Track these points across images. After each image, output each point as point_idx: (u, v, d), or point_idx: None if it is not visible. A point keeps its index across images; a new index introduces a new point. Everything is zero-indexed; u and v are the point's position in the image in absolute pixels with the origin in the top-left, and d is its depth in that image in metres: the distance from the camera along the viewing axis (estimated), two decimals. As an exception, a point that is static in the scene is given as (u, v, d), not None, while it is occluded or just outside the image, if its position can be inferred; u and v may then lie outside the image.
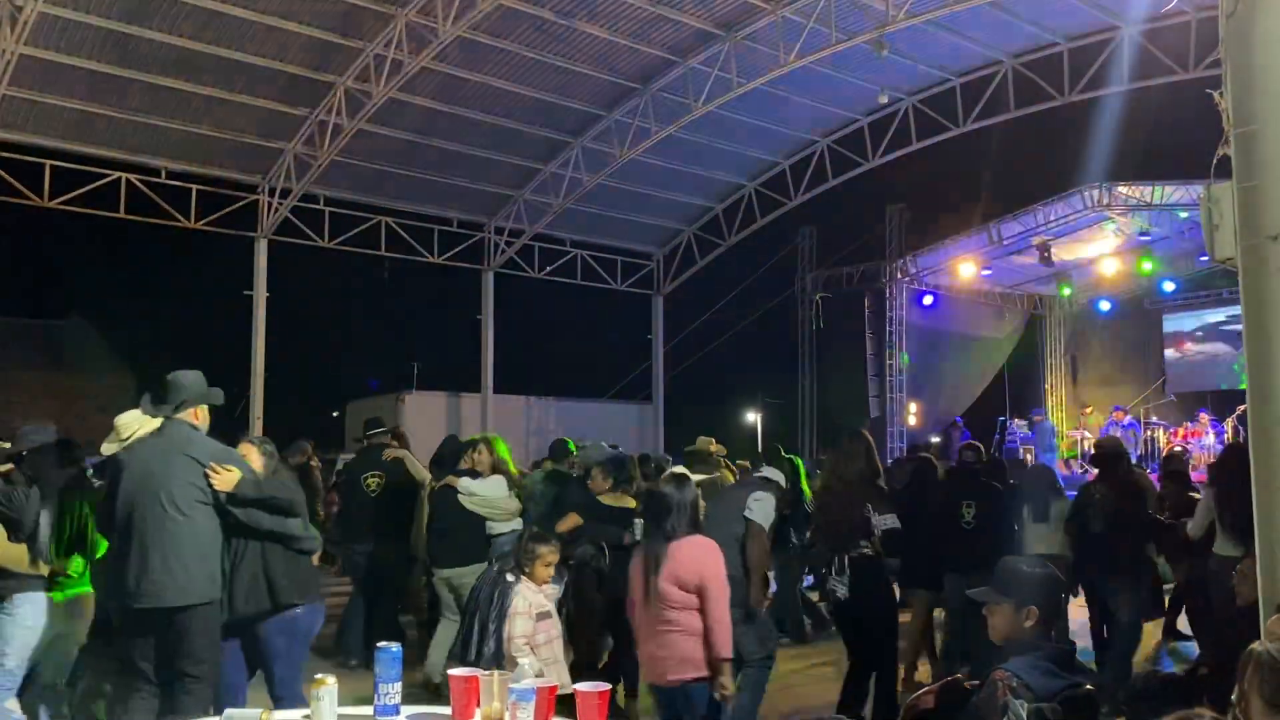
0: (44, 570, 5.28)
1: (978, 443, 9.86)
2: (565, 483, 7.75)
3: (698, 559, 4.62)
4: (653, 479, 7.41)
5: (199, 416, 5.15)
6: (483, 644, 5.02)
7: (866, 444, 6.40)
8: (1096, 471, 8.02)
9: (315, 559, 5.60)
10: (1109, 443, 8.83)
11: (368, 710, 3.01)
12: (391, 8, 13.11)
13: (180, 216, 15.72)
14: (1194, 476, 10.99)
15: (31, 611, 5.23)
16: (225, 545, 5.07)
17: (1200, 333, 22.16)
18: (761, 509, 6.06)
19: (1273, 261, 3.66)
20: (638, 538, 6.24)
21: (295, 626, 5.26)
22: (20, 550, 5.19)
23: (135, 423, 5.24)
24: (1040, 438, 21.08)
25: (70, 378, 30.61)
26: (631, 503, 7.04)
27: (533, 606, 5.09)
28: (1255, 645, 2.29)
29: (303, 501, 5.37)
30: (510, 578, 5.19)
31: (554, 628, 5.26)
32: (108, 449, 5.29)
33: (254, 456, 5.38)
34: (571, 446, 8.40)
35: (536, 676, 3.88)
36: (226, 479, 4.94)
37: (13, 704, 5.23)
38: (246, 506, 5.03)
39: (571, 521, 6.96)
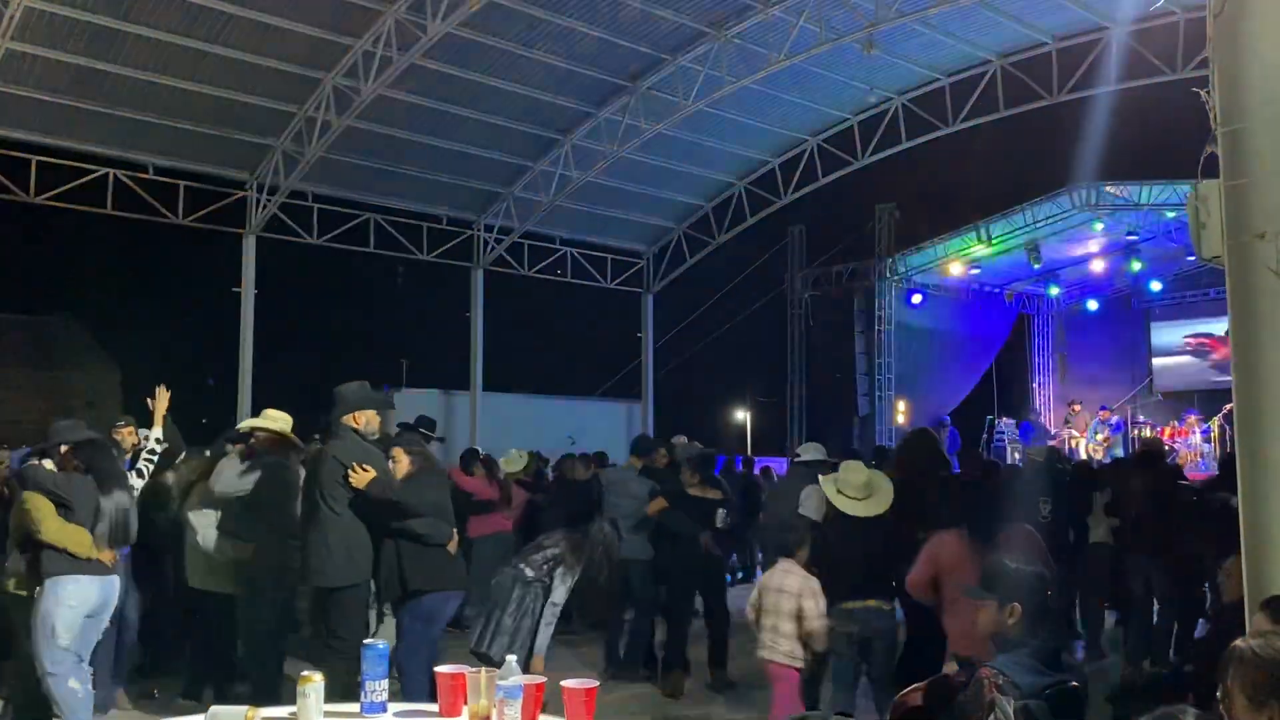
0: (104, 555, 5.53)
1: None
2: (658, 475, 8.13)
3: None
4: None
5: (360, 421, 5.90)
6: (495, 639, 5.68)
7: (933, 440, 7.07)
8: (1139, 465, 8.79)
9: (452, 546, 6.00)
10: (1154, 442, 10.01)
11: (354, 707, 3.01)
12: (381, 4, 13.06)
13: (168, 213, 15.65)
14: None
15: (75, 591, 5.44)
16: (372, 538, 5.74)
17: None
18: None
19: (1259, 259, 3.68)
20: (719, 525, 7.33)
21: (421, 611, 5.81)
22: (83, 534, 5.46)
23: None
24: (1037, 435, 21.18)
25: (58, 374, 30.47)
26: (716, 494, 7.76)
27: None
28: (1238, 642, 2.30)
29: (437, 501, 5.91)
30: (530, 573, 5.75)
31: None
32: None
33: (403, 460, 5.95)
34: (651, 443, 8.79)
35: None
36: (359, 478, 5.63)
37: (75, 683, 5.39)
38: (378, 505, 5.67)
39: (658, 505, 7.61)
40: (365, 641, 3.05)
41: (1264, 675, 2.19)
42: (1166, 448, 9.27)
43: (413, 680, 5.48)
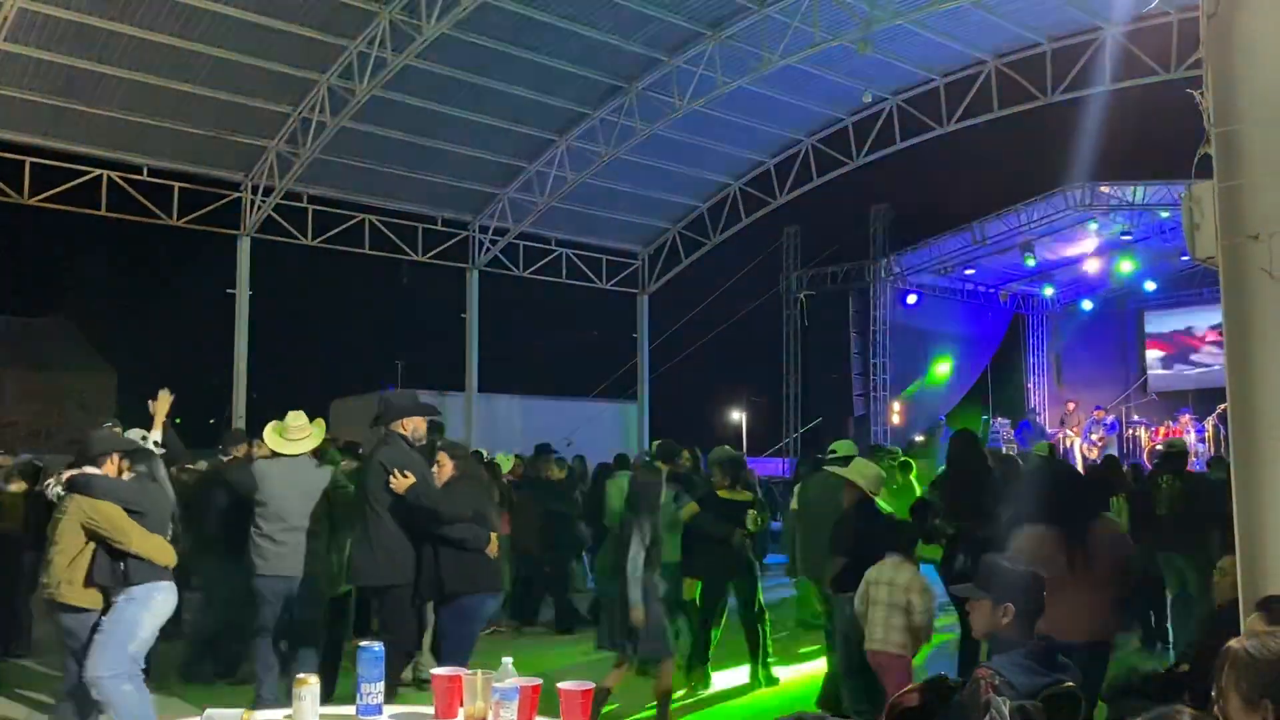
0: (173, 561, 5.59)
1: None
2: (686, 479, 8.39)
3: None
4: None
5: (407, 427, 6.13)
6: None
7: (976, 440, 7.59)
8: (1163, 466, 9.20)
9: (492, 550, 6.20)
10: (1179, 443, 10.29)
11: (349, 710, 3.00)
12: (375, 5, 13.06)
13: (162, 214, 15.62)
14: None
15: (164, 600, 5.52)
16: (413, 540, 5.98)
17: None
18: None
19: (1253, 260, 3.69)
20: (749, 527, 7.67)
21: (461, 612, 6.07)
22: (164, 542, 5.54)
23: (309, 426, 6.45)
24: (1034, 435, 21.21)
25: (51, 376, 30.42)
26: (747, 496, 8.03)
27: None
28: (1232, 643, 2.30)
29: (477, 506, 6.17)
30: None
31: None
32: (279, 445, 6.43)
33: (447, 465, 6.21)
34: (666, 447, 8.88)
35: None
36: (400, 484, 5.87)
37: (130, 685, 5.39)
38: (417, 510, 5.93)
39: (691, 510, 7.85)
40: (360, 644, 3.05)
41: (1258, 676, 2.20)
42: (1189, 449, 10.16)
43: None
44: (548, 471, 10.89)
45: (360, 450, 8.15)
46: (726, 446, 9.03)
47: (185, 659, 7.63)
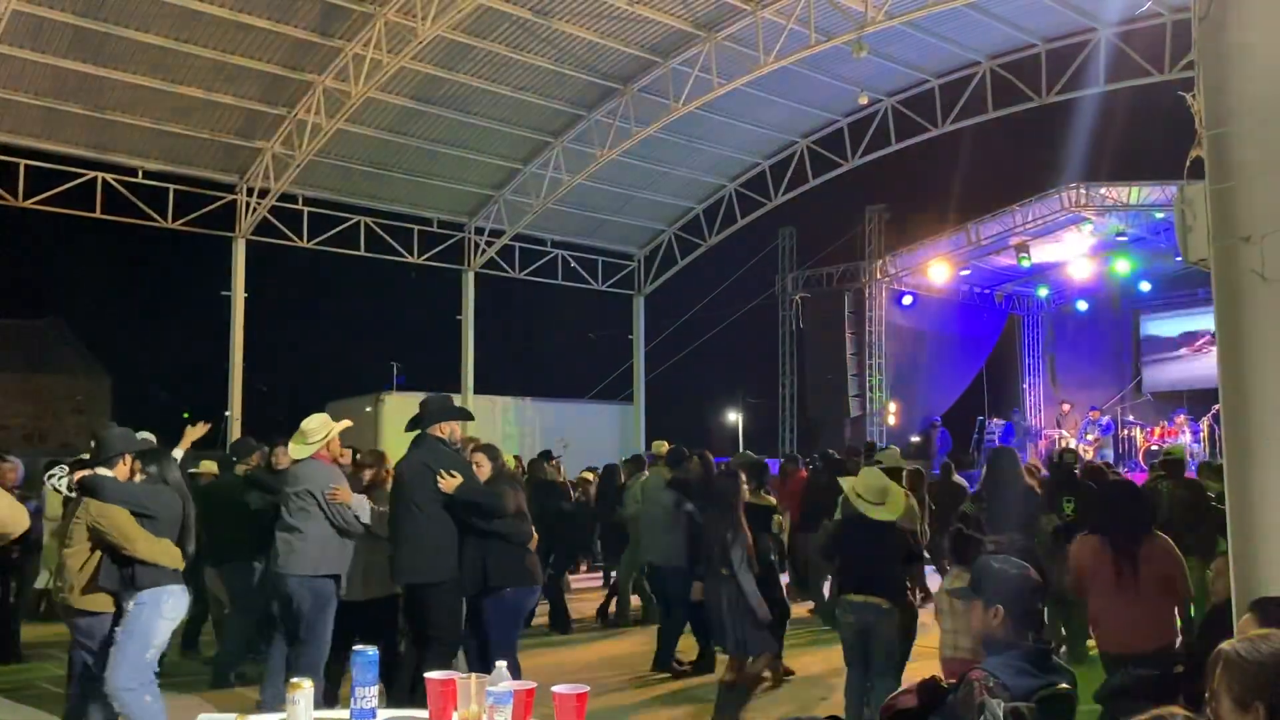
0: (182, 564, 5.58)
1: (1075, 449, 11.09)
2: (688, 485, 8.41)
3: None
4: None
5: (444, 430, 6.33)
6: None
7: (1015, 457, 7.97)
8: (1163, 472, 9.45)
9: (533, 545, 6.51)
10: (1178, 449, 10.51)
11: (344, 714, 3.00)
12: (371, 7, 13.06)
13: (157, 216, 15.61)
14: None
15: (174, 604, 5.50)
16: (458, 537, 6.20)
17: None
18: None
19: (1245, 262, 3.70)
20: (774, 531, 7.65)
21: (505, 605, 6.32)
22: (172, 546, 5.53)
23: (321, 427, 6.55)
24: (1018, 436, 21.25)
25: (47, 378, 30.36)
26: (771, 501, 8.06)
27: None
28: (1225, 644, 2.30)
29: (518, 503, 6.46)
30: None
31: None
32: (299, 453, 6.56)
33: (485, 466, 6.48)
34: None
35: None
36: (449, 484, 6.09)
37: (150, 697, 5.37)
38: (466, 507, 6.15)
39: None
40: (355, 648, 3.04)
41: (1250, 677, 2.20)
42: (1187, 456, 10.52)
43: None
44: (543, 473, 10.99)
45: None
46: (749, 452, 9.19)
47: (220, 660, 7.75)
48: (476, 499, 6.21)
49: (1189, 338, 21.83)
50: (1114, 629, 5.32)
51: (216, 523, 7.53)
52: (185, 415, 7.23)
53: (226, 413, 15.97)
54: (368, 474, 7.05)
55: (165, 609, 5.42)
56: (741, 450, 22.85)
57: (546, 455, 11.86)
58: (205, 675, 7.72)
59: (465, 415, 6.69)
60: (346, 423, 6.92)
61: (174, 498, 5.62)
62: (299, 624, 6.43)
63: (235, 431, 15.66)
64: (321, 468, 6.63)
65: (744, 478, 7.90)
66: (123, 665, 5.27)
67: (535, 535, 6.57)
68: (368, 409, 17.87)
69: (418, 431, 6.41)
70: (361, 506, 6.61)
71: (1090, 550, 5.47)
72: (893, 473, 8.05)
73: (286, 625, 6.60)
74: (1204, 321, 20.53)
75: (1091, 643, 9.04)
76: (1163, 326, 22.70)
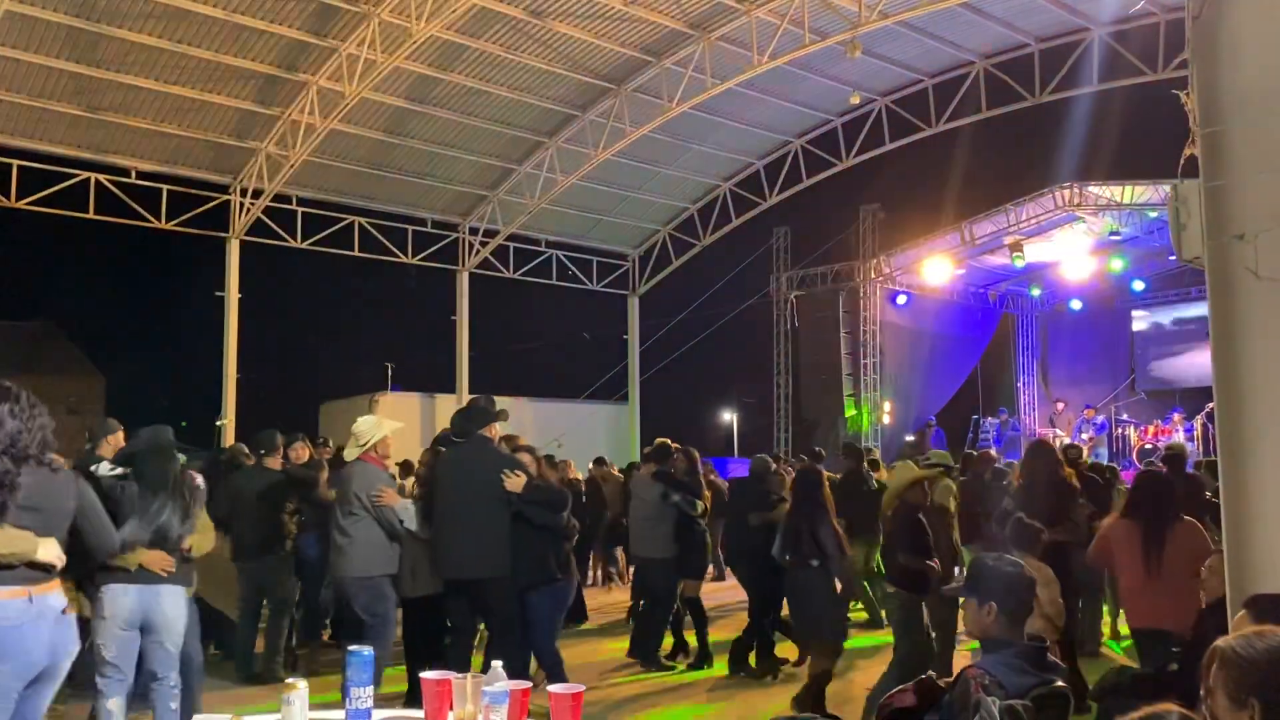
0: (144, 559, 5.17)
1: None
2: (674, 480, 8.59)
3: None
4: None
5: (493, 432, 6.64)
6: None
7: (1051, 450, 8.08)
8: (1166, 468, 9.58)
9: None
10: (1177, 446, 10.72)
11: (338, 715, 2.99)
12: (365, 6, 13.04)
13: (151, 217, 15.57)
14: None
15: (109, 601, 5.11)
16: (514, 531, 6.41)
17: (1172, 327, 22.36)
18: None
19: (1238, 260, 3.70)
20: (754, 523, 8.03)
21: (557, 595, 6.75)
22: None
23: (372, 429, 6.71)
24: (1006, 436, 21.29)
25: (39, 380, 30.28)
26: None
27: None
28: (1220, 641, 2.31)
29: (569, 498, 6.91)
30: None
31: None
32: (350, 454, 6.76)
33: (532, 464, 6.79)
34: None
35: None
36: (515, 482, 6.32)
37: (114, 704, 5.12)
38: (529, 503, 6.39)
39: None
40: (350, 648, 3.03)
41: (1245, 674, 2.20)
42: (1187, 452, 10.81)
43: (548, 658, 6.58)
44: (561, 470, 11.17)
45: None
46: (764, 456, 9.44)
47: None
48: (543, 496, 6.51)
49: (1181, 337, 21.88)
50: (1142, 607, 5.79)
51: (243, 518, 7.56)
52: (184, 425, 7.23)
53: (220, 422, 15.91)
54: (427, 473, 7.20)
55: (100, 606, 5.07)
56: (735, 450, 22.80)
57: (550, 459, 11.90)
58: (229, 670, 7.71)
59: (505, 418, 6.93)
60: (398, 424, 7.07)
61: (134, 493, 5.21)
62: (360, 623, 6.62)
63: (230, 432, 15.63)
64: (368, 470, 6.70)
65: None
66: (96, 668, 5.14)
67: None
68: (381, 414, 17.87)
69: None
70: (406, 510, 6.72)
71: (1122, 533, 5.91)
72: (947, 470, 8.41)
73: (349, 624, 6.83)
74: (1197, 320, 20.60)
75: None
76: (1155, 324, 22.74)
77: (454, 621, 6.74)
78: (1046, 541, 6.30)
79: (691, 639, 8.63)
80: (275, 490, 7.86)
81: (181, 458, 5.83)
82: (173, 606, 5.25)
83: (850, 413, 21.57)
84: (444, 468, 6.67)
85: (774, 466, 9.53)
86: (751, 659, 8.09)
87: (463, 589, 6.48)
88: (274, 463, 8.06)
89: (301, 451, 8.54)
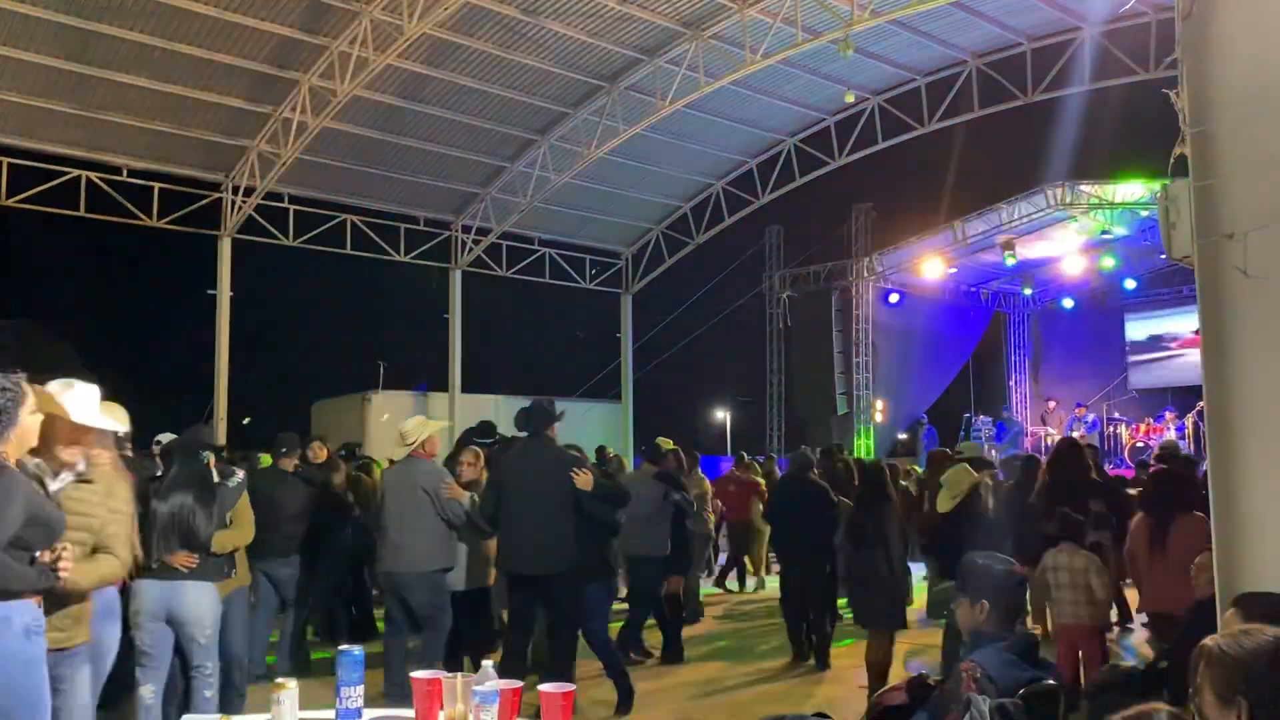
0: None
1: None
2: (674, 479, 8.83)
3: None
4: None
5: (554, 432, 6.87)
6: None
7: (1079, 449, 8.57)
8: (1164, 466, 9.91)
9: None
10: (1171, 444, 11.24)
11: (329, 714, 2.98)
12: (357, 5, 13.00)
13: (142, 215, 15.51)
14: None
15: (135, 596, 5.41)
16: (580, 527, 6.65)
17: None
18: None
19: (1228, 259, 3.71)
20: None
21: (613, 586, 7.33)
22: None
23: (419, 428, 6.95)
24: (1010, 434, 21.32)
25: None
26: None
27: None
28: (1208, 640, 2.31)
29: (629, 495, 7.23)
30: None
31: None
32: (399, 453, 7.00)
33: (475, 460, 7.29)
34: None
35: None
36: (585, 480, 6.56)
37: (148, 690, 5.37)
38: (596, 500, 6.64)
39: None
40: (341, 648, 3.03)
41: (1233, 672, 2.21)
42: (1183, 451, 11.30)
43: (600, 644, 6.98)
44: None
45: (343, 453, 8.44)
46: (805, 451, 9.84)
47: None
48: (608, 493, 6.80)
49: (1174, 337, 21.94)
50: (1149, 592, 6.51)
51: (259, 519, 7.60)
52: (175, 424, 7.35)
53: (208, 421, 15.86)
54: (469, 471, 7.37)
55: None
56: (728, 448, 22.83)
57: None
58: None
59: (561, 419, 7.12)
60: (444, 423, 7.44)
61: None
62: (416, 617, 6.84)
63: (221, 430, 15.59)
64: (431, 466, 7.04)
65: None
66: None
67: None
68: (384, 416, 17.95)
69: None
70: (469, 505, 6.98)
71: (1138, 525, 6.59)
72: (976, 463, 8.51)
73: (408, 619, 6.94)
74: (1188, 322, 20.65)
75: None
76: (1147, 323, 22.79)
77: (512, 616, 6.83)
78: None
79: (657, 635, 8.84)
80: (290, 491, 7.89)
81: (208, 456, 5.96)
82: (196, 601, 5.47)
83: (843, 412, 21.60)
84: (511, 465, 6.89)
85: (816, 462, 9.75)
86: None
87: (528, 583, 6.62)
88: (287, 463, 8.13)
89: (319, 452, 8.81)
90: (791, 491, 9.09)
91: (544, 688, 2.84)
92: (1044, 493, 8.19)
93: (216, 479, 5.81)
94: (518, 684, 2.87)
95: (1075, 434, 19.99)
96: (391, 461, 7.15)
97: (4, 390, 3.58)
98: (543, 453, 6.73)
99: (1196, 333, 4.08)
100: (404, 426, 7.10)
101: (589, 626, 6.92)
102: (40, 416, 3.72)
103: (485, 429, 8.99)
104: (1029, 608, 6.51)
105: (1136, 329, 22.96)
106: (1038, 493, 8.37)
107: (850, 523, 7.52)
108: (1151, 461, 12.24)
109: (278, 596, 7.82)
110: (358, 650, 3.01)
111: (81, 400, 4.13)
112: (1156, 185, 15.33)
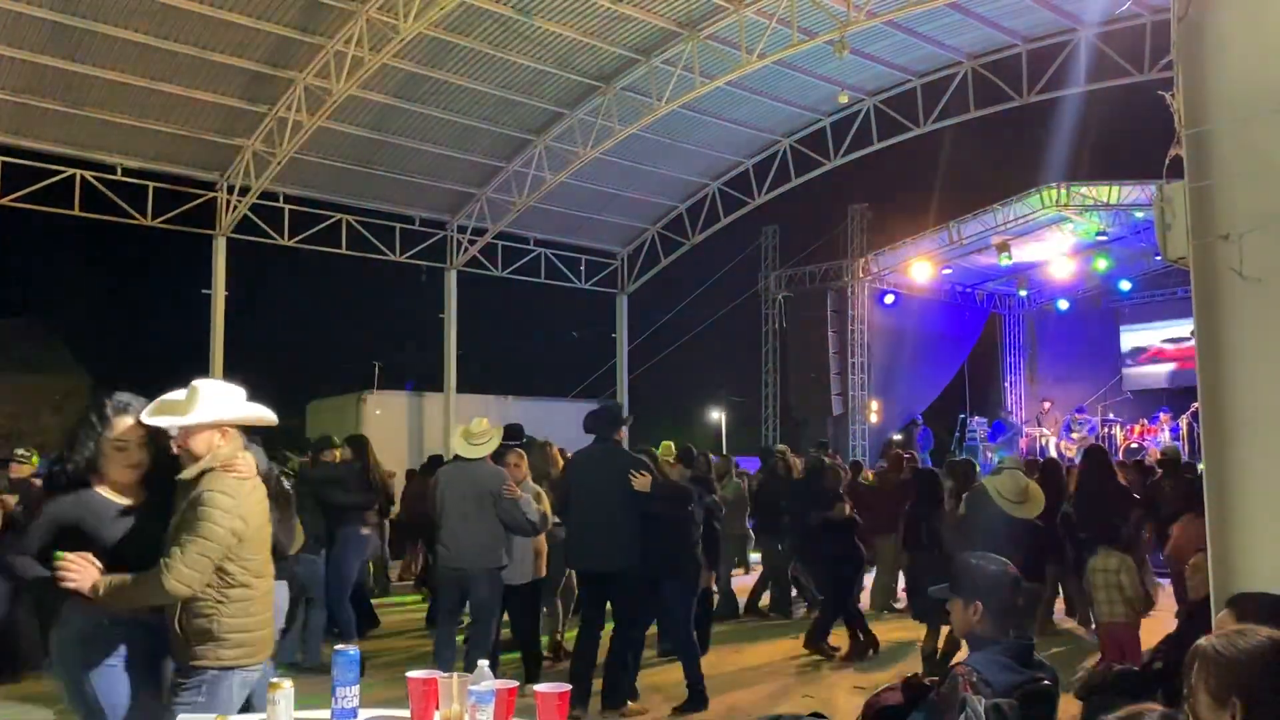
0: None
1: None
2: (704, 483, 9.02)
3: None
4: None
5: (621, 435, 7.36)
6: None
7: (1107, 456, 9.02)
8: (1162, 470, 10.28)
9: None
10: (1171, 449, 11.59)
11: (324, 714, 2.98)
12: (352, 4, 12.99)
13: (137, 214, 15.47)
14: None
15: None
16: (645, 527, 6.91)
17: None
18: None
19: (1223, 260, 3.72)
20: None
21: (688, 583, 7.32)
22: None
23: (489, 433, 7.26)
24: (1008, 435, 21.36)
25: (25, 378, 30.08)
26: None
27: None
28: (1202, 640, 2.32)
29: (692, 493, 7.51)
30: None
31: None
32: (474, 453, 7.20)
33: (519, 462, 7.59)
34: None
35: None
36: (642, 482, 6.85)
37: None
38: (657, 500, 6.92)
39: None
40: (336, 648, 3.03)
41: (1226, 673, 2.21)
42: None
43: (684, 646, 7.25)
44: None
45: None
46: (818, 454, 10.06)
47: None
48: (667, 492, 7.09)
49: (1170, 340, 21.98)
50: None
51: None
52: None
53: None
54: (516, 472, 7.54)
55: None
56: (724, 448, 22.87)
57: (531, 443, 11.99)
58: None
59: (628, 422, 7.68)
60: (499, 429, 7.54)
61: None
62: (473, 610, 7.15)
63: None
64: (494, 468, 7.28)
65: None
66: None
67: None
68: (378, 412, 17.94)
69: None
70: (529, 504, 7.22)
71: (1185, 527, 7.16)
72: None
73: (469, 613, 7.26)
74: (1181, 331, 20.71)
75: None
76: (1142, 324, 22.83)
77: (585, 610, 7.30)
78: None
79: None
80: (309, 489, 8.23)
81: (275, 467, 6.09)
82: (280, 600, 5.63)
83: (838, 412, 21.62)
84: (579, 467, 7.35)
85: (828, 463, 9.88)
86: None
87: (595, 579, 7.06)
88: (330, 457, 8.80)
89: (334, 454, 9.12)
90: (802, 493, 9.68)
91: (539, 687, 2.84)
92: (1084, 502, 8.64)
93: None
94: (513, 684, 2.87)
95: (1074, 434, 20.07)
96: (458, 458, 7.39)
97: (83, 421, 3.72)
98: (608, 456, 7.11)
99: (1189, 336, 4.09)
100: (474, 427, 7.39)
101: (665, 621, 7.32)
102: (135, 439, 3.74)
103: (514, 431, 9.16)
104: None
105: (1131, 339, 23.01)
106: (1074, 500, 8.86)
107: (907, 525, 8.12)
108: (1151, 463, 12.35)
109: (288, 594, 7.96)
110: (353, 650, 3.01)
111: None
112: (1152, 186, 15.37)
